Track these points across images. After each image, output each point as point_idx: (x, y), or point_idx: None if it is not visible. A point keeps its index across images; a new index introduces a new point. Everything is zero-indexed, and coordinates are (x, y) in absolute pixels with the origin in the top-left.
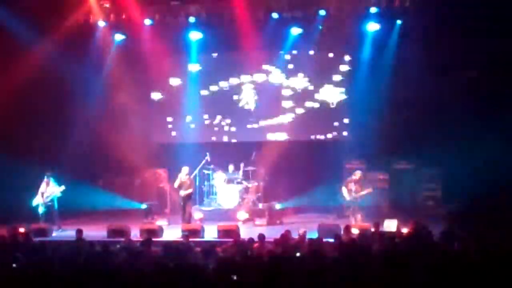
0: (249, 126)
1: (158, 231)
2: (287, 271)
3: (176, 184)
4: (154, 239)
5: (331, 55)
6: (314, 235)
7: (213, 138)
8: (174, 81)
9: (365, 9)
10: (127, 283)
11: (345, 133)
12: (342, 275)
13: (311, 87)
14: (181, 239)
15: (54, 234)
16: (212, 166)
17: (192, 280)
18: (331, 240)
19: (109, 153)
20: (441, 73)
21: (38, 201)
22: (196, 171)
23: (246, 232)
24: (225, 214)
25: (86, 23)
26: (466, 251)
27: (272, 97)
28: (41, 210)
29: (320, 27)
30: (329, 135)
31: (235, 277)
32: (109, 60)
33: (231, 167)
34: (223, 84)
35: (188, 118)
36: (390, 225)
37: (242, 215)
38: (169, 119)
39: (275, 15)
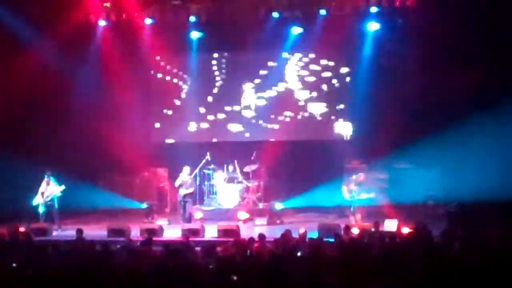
0: (249, 126)
1: (158, 231)
2: (287, 271)
3: (177, 183)
4: (154, 239)
5: (331, 54)
6: (314, 234)
7: (214, 139)
8: (175, 81)
9: (365, 8)
10: (127, 283)
11: (345, 133)
12: (342, 275)
13: (311, 87)
14: (181, 239)
15: (54, 233)
16: (212, 166)
17: (192, 279)
18: (331, 240)
19: (109, 153)
20: (442, 73)
21: (38, 200)
22: (197, 171)
23: (246, 232)
24: (225, 214)
25: (86, 22)
26: (466, 251)
27: (272, 97)
28: (41, 209)
29: (321, 26)
30: (330, 135)
31: (235, 277)
32: (109, 59)
33: (231, 167)
34: (224, 84)
35: (189, 118)
36: (390, 225)
37: (243, 214)
38: (169, 119)
39: (275, 15)
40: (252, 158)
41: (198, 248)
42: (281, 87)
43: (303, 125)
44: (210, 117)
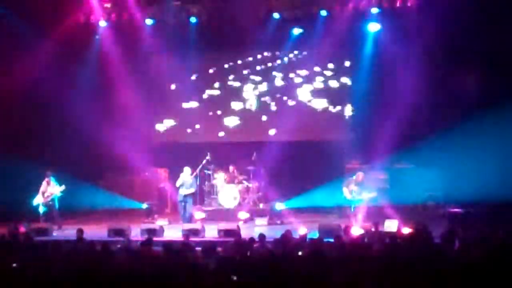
0: (250, 126)
1: (159, 231)
2: (287, 271)
3: (178, 183)
4: (154, 239)
5: (332, 55)
6: (314, 235)
7: (214, 139)
8: (175, 81)
9: (366, 9)
10: (128, 283)
11: (345, 133)
12: (343, 276)
13: (312, 87)
14: (182, 239)
15: (54, 233)
16: (212, 166)
17: (192, 279)
18: (332, 240)
19: (110, 153)
20: (443, 73)
21: (38, 200)
22: (197, 171)
23: (247, 232)
24: (225, 214)
25: (87, 23)
26: (467, 252)
27: (273, 97)
28: (41, 209)
29: (321, 27)
30: (330, 135)
31: (235, 277)
32: (109, 59)
33: (231, 167)
34: (224, 84)
35: (189, 118)
36: (390, 225)
37: (243, 215)
38: (170, 118)
39: (276, 15)
40: (253, 158)
41: (198, 248)
42: (281, 87)
43: (303, 125)
44: (211, 117)
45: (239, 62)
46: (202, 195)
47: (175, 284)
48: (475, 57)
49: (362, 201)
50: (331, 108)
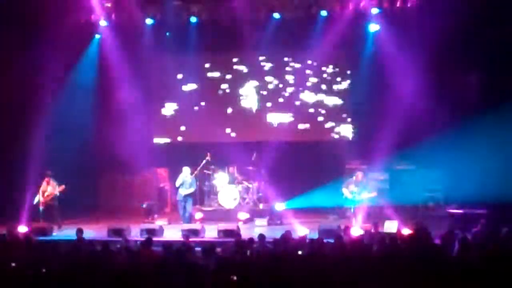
0: (250, 126)
1: (158, 231)
2: (287, 271)
3: (177, 183)
4: (154, 239)
5: (332, 55)
6: (314, 235)
7: (215, 139)
8: (175, 81)
9: (366, 10)
10: (127, 283)
11: (346, 134)
12: (343, 276)
13: (312, 87)
14: (181, 239)
15: (54, 233)
16: (212, 166)
17: (192, 280)
18: (332, 241)
19: (110, 153)
20: (443, 74)
21: (38, 200)
22: (197, 171)
23: (247, 233)
24: (225, 214)
25: (87, 22)
26: (467, 253)
27: (273, 97)
28: (41, 209)
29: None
30: (330, 136)
31: (235, 277)
32: (110, 59)
33: (231, 168)
34: (225, 84)
35: (190, 118)
36: (390, 226)
37: (243, 215)
38: (170, 119)
39: (276, 15)
40: (253, 158)
41: (198, 249)
42: (281, 87)
43: (303, 126)
44: (211, 117)
45: (239, 62)
46: (202, 195)
47: (175, 285)
48: (476, 57)
49: (362, 202)
50: (331, 108)
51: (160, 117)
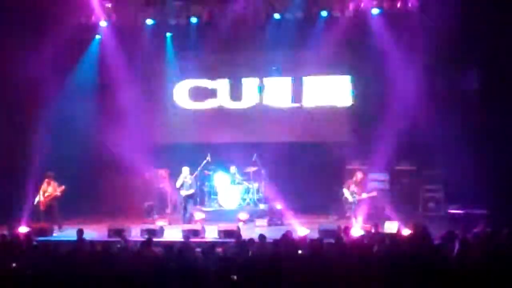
0: (250, 126)
1: (159, 232)
2: (287, 272)
3: (178, 184)
4: (154, 239)
5: (333, 56)
6: (315, 236)
7: (215, 140)
8: (176, 81)
9: (367, 10)
10: (128, 283)
11: (346, 134)
12: (343, 276)
13: (312, 88)
14: (182, 240)
15: (55, 234)
16: (213, 167)
17: (193, 280)
18: (332, 241)
19: (110, 153)
20: (444, 74)
21: (39, 200)
22: (197, 172)
23: (247, 233)
24: (226, 215)
25: (87, 23)
26: (467, 253)
27: (274, 97)
28: (42, 210)
29: (322, 28)
30: (331, 136)
31: (235, 278)
32: (110, 60)
33: (232, 168)
34: (225, 84)
35: (190, 118)
36: (390, 226)
37: (243, 215)
38: (170, 119)
39: (277, 16)
40: (253, 159)
41: (198, 249)
42: (282, 87)
43: (304, 126)
44: (211, 118)
45: (240, 62)
46: (203, 196)
47: (175, 285)
48: (476, 57)
49: (362, 202)
50: (331, 109)
51: (160, 118)
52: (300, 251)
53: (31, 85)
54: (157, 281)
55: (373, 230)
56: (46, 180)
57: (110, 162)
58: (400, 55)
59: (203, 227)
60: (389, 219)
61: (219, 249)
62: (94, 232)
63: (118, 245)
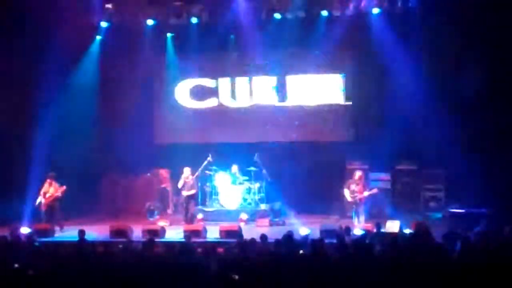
0: (251, 126)
1: (160, 232)
2: (289, 272)
3: (179, 184)
4: (156, 240)
5: (333, 56)
6: (316, 236)
7: (216, 139)
8: (176, 81)
9: (367, 10)
10: (129, 284)
11: (347, 134)
12: (344, 276)
13: (312, 88)
14: (183, 240)
15: (56, 234)
16: (214, 167)
17: (194, 280)
18: (333, 241)
19: (111, 154)
20: (444, 74)
21: (40, 201)
22: (199, 172)
23: (248, 233)
24: (227, 215)
25: (88, 24)
26: (468, 253)
27: (274, 97)
28: (43, 210)
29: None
30: (331, 136)
31: (236, 278)
32: (111, 60)
33: (233, 168)
34: (225, 84)
35: (190, 118)
36: (392, 226)
37: (245, 215)
38: (171, 119)
39: (277, 16)
40: (255, 159)
41: (199, 249)
42: (282, 87)
43: (304, 126)
44: (212, 118)
45: (240, 62)
46: (204, 196)
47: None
48: (477, 57)
49: (364, 201)
50: (332, 109)
51: (161, 118)
52: (301, 251)
53: (32, 86)
54: (158, 281)
55: (374, 230)
56: (48, 180)
57: (111, 163)
58: (400, 55)
59: (204, 228)
60: (390, 218)
61: (220, 249)
62: (95, 233)
63: (120, 246)
